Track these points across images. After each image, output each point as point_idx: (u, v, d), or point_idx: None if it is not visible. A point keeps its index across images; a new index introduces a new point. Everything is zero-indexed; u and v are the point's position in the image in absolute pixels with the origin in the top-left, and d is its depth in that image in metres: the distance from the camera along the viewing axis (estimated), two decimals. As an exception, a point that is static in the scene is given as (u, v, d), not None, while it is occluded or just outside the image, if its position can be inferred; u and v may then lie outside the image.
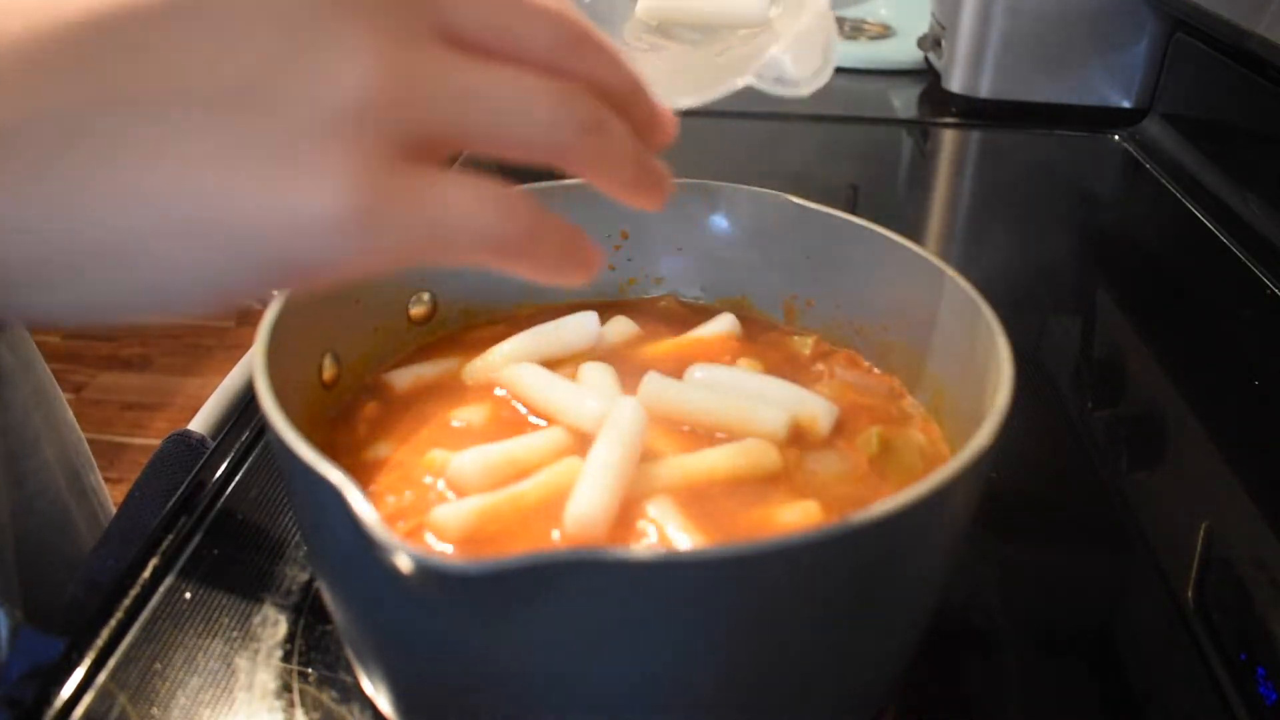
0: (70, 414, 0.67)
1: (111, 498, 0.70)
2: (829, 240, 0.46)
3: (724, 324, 0.49)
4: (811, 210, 0.46)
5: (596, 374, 0.44)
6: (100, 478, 0.69)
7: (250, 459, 0.55)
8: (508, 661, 0.30)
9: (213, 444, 0.56)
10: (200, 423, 0.62)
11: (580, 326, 0.48)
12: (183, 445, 0.56)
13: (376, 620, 0.33)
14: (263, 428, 0.57)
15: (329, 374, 0.43)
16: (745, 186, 0.48)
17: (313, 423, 0.42)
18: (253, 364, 0.35)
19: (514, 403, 0.44)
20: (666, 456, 0.40)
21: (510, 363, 0.45)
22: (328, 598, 0.38)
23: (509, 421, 0.43)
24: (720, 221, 0.49)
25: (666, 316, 0.51)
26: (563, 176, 0.36)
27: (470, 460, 0.38)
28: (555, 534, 0.36)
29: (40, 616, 0.57)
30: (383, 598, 0.30)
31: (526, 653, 0.29)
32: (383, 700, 0.37)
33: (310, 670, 0.42)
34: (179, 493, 0.52)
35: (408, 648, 0.32)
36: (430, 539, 0.36)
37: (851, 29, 1.37)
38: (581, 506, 0.35)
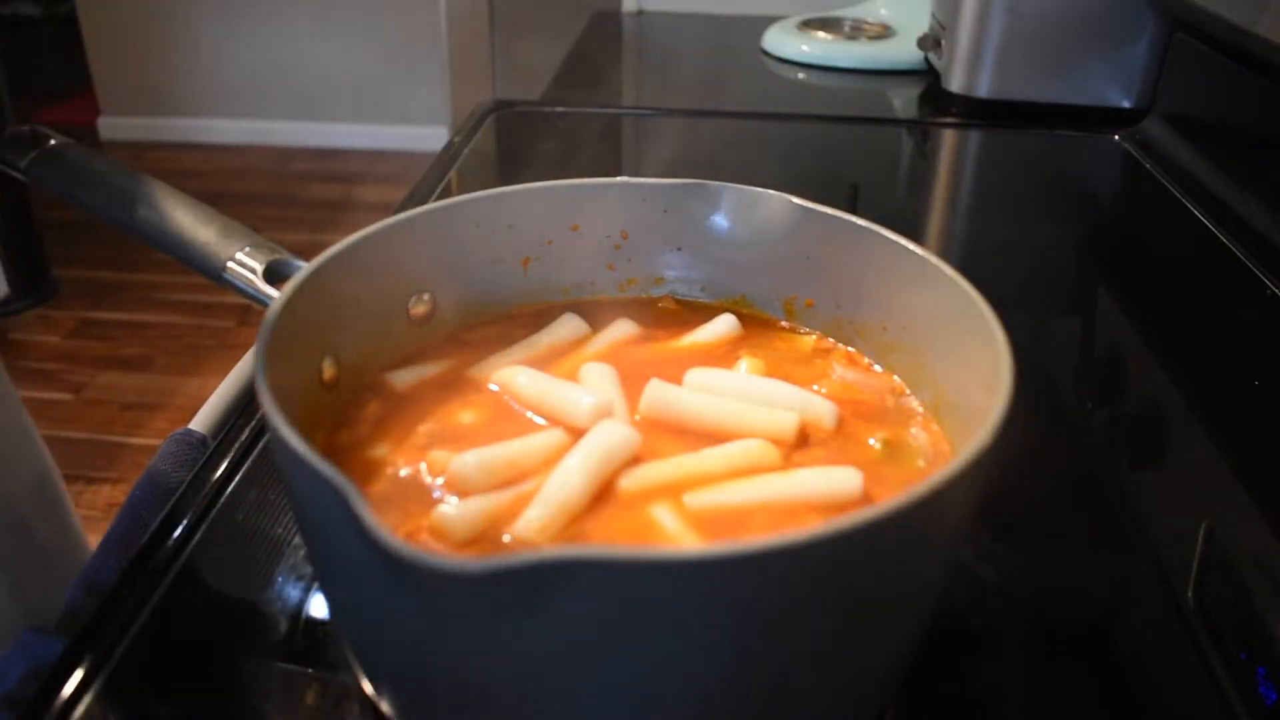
0: (46, 455, 0.66)
1: (111, 498, 0.71)
2: (828, 240, 0.46)
3: (724, 324, 0.49)
4: (811, 210, 0.46)
5: (596, 374, 0.44)
6: (74, 524, 0.68)
7: (250, 459, 0.55)
8: (508, 661, 0.30)
9: (213, 443, 0.56)
10: (200, 422, 0.62)
11: (570, 323, 0.48)
12: (184, 445, 0.56)
13: (376, 621, 0.33)
14: (263, 427, 0.57)
15: (329, 374, 0.43)
16: (745, 186, 0.48)
17: (313, 423, 0.42)
18: (254, 366, 0.35)
19: (513, 404, 0.44)
20: (668, 457, 0.40)
21: (507, 364, 0.45)
22: (328, 598, 0.38)
23: (509, 422, 0.43)
24: (720, 221, 0.49)
25: (666, 317, 0.51)
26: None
27: (471, 461, 0.38)
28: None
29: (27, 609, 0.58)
30: (382, 598, 0.30)
31: (527, 652, 0.29)
32: (383, 701, 0.37)
33: (310, 670, 0.42)
34: (178, 493, 0.52)
35: (407, 648, 0.32)
36: (430, 541, 0.36)
37: (851, 29, 1.37)
38: (522, 521, 0.36)
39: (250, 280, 0.44)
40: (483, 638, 0.29)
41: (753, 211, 0.48)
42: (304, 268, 0.41)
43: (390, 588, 0.29)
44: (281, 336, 0.38)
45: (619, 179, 0.49)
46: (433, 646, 0.31)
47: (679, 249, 0.50)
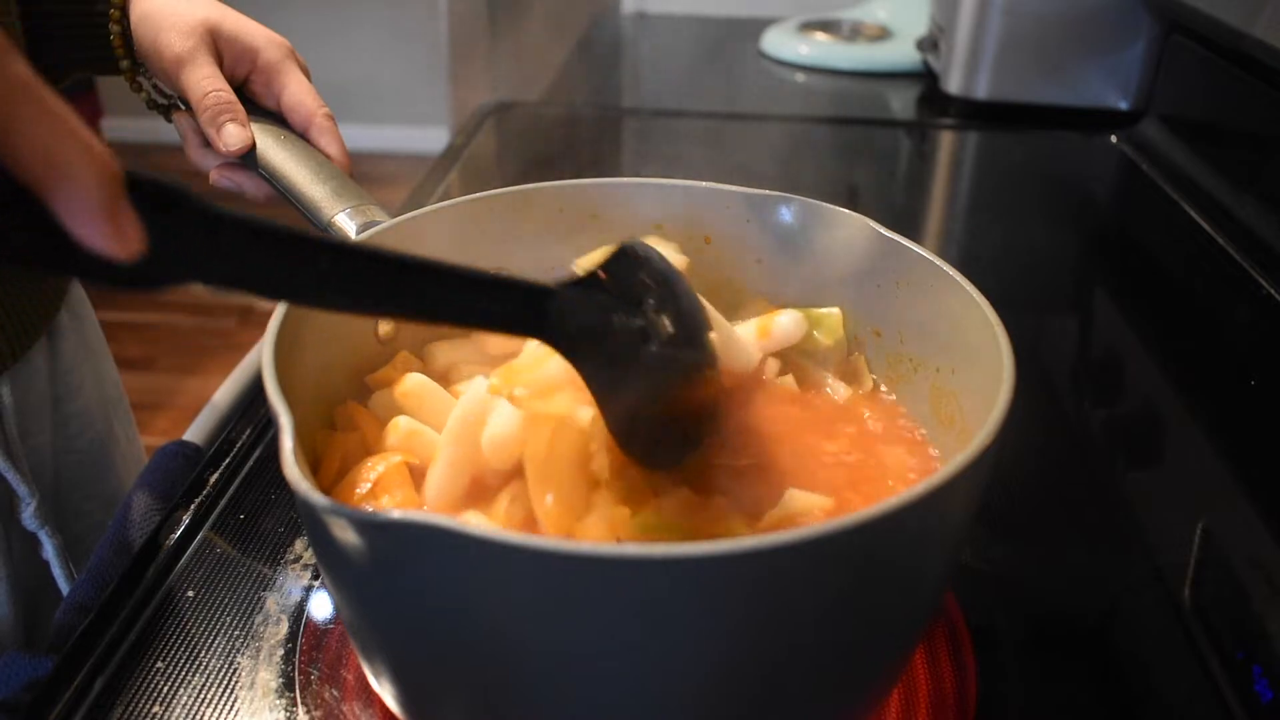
0: (114, 369, 0.72)
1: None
2: (901, 272, 0.44)
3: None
4: (888, 239, 0.44)
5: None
6: (135, 429, 0.74)
7: (251, 460, 0.55)
8: (489, 650, 0.30)
9: (209, 452, 0.56)
10: (197, 429, 0.63)
11: None
12: (179, 458, 0.57)
13: (355, 595, 0.33)
14: (263, 429, 0.58)
15: (385, 330, 0.45)
16: (826, 204, 0.46)
17: (358, 369, 0.44)
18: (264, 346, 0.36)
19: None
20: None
21: None
22: (328, 585, 0.38)
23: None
24: (799, 237, 0.48)
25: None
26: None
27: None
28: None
29: (75, 545, 0.62)
30: (313, 540, 0.31)
31: (506, 639, 0.29)
32: (385, 694, 0.38)
33: (312, 668, 0.42)
34: (180, 492, 0.52)
35: (341, 603, 0.33)
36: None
37: (850, 31, 1.37)
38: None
39: (348, 239, 0.46)
40: (372, 592, 0.30)
41: (830, 230, 0.46)
42: (377, 226, 0.43)
43: (306, 519, 0.31)
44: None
45: (704, 183, 0.48)
46: (350, 601, 0.33)
47: (759, 260, 0.49)
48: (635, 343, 0.34)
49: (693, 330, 0.35)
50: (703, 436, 0.38)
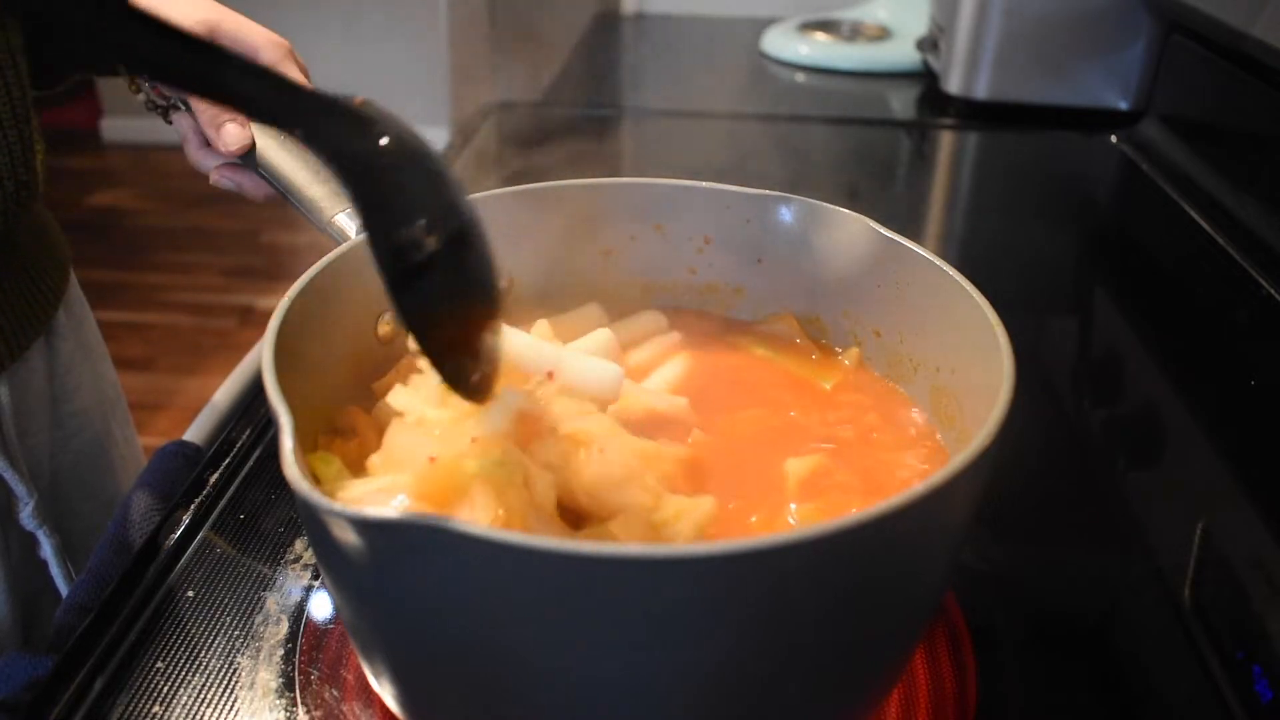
0: (112, 370, 0.72)
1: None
2: (901, 272, 0.44)
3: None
4: (889, 239, 0.44)
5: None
6: (133, 430, 0.74)
7: (251, 460, 0.55)
8: (491, 648, 0.30)
9: (209, 452, 0.56)
10: (197, 429, 0.63)
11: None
12: (179, 458, 0.57)
13: (355, 595, 0.33)
14: (263, 429, 0.58)
15: (385, 330, 0.45)
16: (825, 204, 0.47)
17: (358, 370, 0.44)
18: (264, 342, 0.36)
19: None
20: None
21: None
22: (328, 585, 0.38)
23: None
24: (799, 237, 0.48)
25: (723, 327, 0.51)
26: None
27: None
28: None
29: (73, 545, 0.62)
30: (310, 534, 0.31)
31: (505, 639, 0.29)
32: (386, 694, 0.38)
33: (312, 668, 0.43)
34: (180, 492, 0.52)
35: (340, 600, 0.33)
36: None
37: (850, 31, 1.37)
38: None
39: (348, 239, 0.46)
40: (372, 592, 0.30)
41: (830, 230, 0.47)
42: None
43: (306, 519, 0.31)
44: (326, 284, 0.40)
45: (704, 183, 0.48)
46: (350, 601, 0.33)
47: (759, 260, 0.49)
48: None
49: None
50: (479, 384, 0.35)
